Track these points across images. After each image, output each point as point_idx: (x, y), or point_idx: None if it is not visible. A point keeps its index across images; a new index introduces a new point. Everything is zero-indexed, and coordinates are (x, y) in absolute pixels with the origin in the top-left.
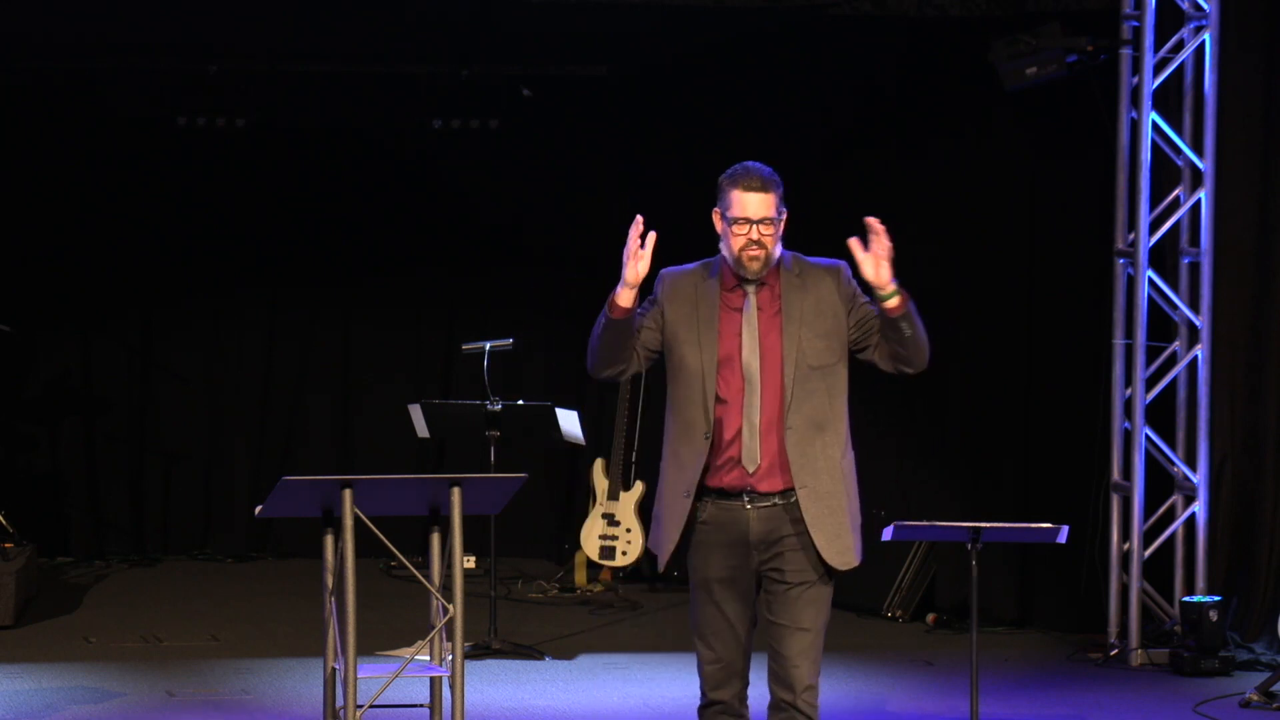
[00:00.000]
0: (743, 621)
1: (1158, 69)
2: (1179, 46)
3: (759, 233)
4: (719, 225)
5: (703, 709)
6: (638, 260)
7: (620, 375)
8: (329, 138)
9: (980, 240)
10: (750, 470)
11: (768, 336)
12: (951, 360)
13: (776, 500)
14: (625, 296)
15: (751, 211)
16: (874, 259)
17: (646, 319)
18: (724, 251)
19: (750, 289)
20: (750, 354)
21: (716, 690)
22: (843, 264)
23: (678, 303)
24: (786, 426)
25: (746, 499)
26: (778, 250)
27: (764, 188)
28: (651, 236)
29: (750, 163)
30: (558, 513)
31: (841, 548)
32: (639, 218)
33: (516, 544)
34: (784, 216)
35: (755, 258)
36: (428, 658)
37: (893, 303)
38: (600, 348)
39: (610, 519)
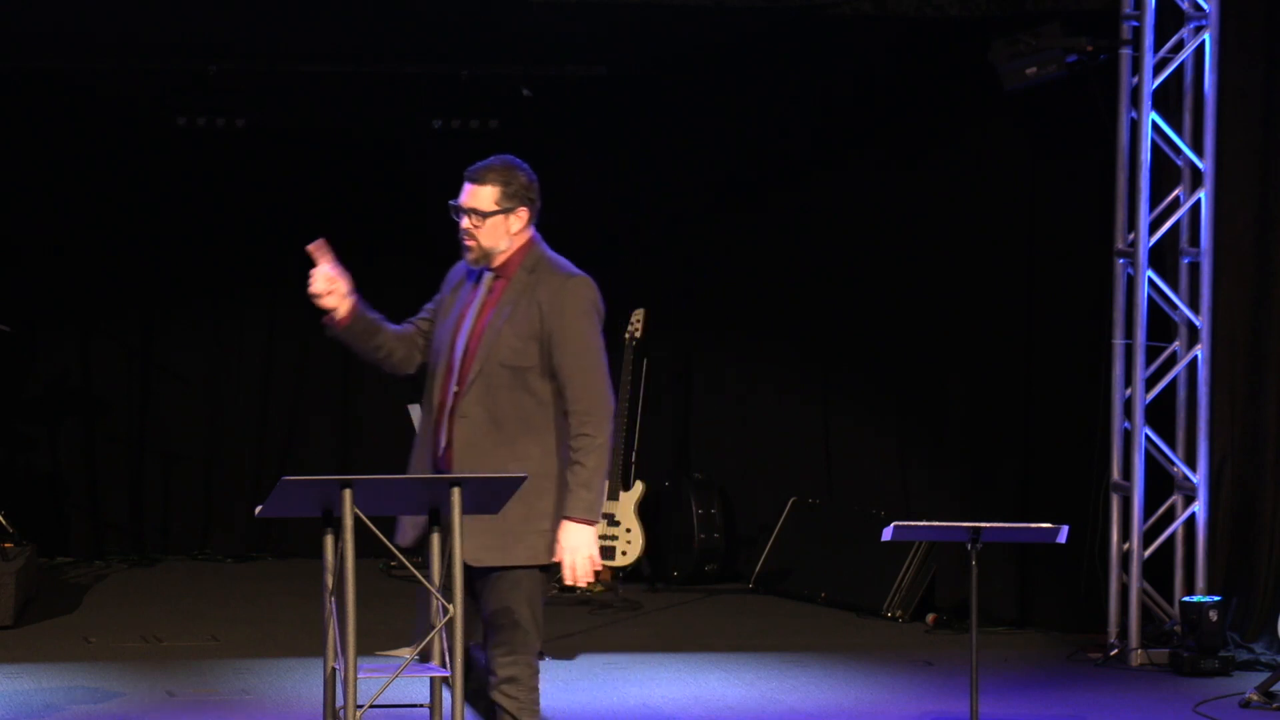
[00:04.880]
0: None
1: (1158, 69)
2: (1179, 46)
3: (468, 222)
4: None
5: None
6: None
7: (399, 367)
8: (329, 138)
9: (980, 240)
10: (439, 452)
11: (478, 326)
12: (951, 360)
13: None
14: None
15: (463, 199)
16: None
17: (425, 312)
18: None
19: (488, 278)
20: (461, 339)
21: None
22: (582, 277)
23: (447, 289)
24: (460, 415)
25: None
26: (502, 244)
27: (476, 178)
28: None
29: (499, 155)
30: None
31: (477, 545)
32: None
33: None
34: (514, 212)
35: (468, 247)
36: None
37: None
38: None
39: (610, 519)
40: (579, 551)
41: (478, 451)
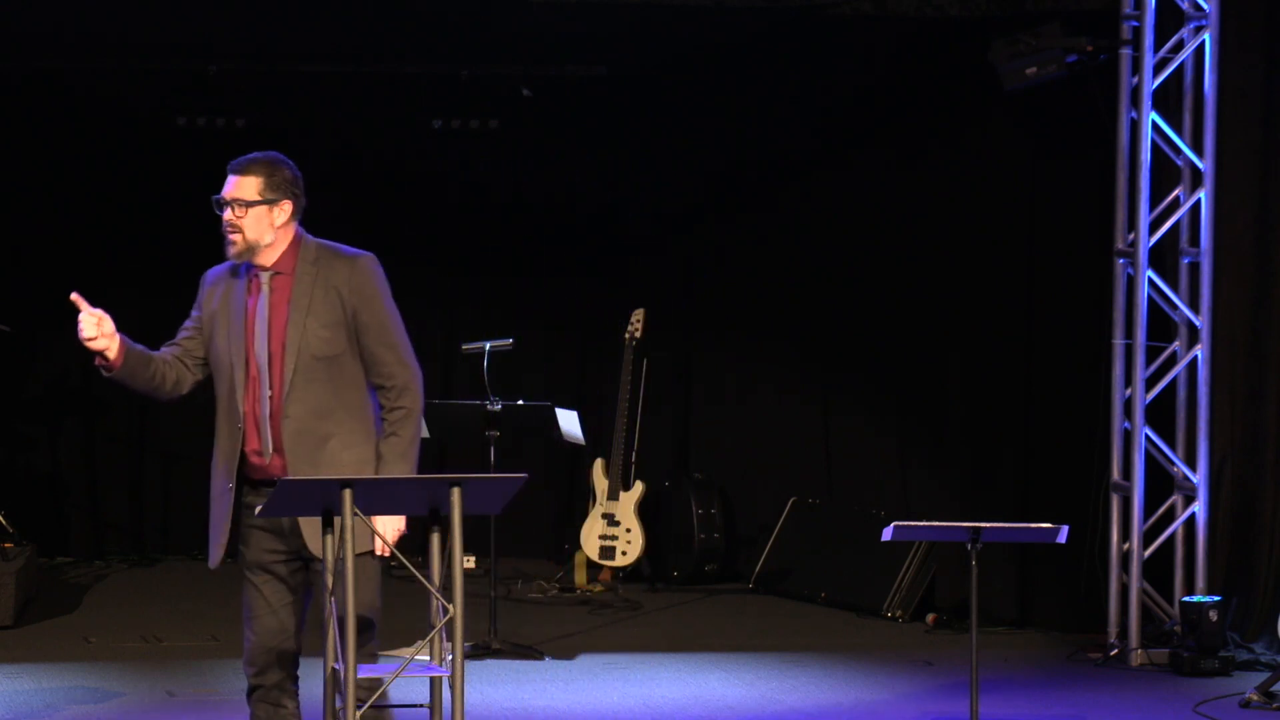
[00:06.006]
0: (285, 607)
1: (1158, 69)
2: (1179, 46)
3: (231, 214)
4: None
5: (247, 694)
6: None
7: (173, 392)
8: (329, 138)
9: (980, 240)
10: (265, 459)
11: (276, 325)
12: (952, 360)
13: None
14: (106, 355)
15: (226, 191)
16: None
17: (187, 330)
18: None
19: (266, 277)
20: (260, 343)
21: (257, 675)
22: (367, 256)
23: (211, 301)
24: (285, 415)
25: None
26: (266, 236)
27: (239, 169)
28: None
29: (264, 151)
30: (558, 513)
31: (312, 534)
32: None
33: (516, 544)
34: (277, 204)
35: (231, 241)
36: (428, 658)
37: None
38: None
39: (610, 519)
40: (388, 524)
41: (307, 447)
